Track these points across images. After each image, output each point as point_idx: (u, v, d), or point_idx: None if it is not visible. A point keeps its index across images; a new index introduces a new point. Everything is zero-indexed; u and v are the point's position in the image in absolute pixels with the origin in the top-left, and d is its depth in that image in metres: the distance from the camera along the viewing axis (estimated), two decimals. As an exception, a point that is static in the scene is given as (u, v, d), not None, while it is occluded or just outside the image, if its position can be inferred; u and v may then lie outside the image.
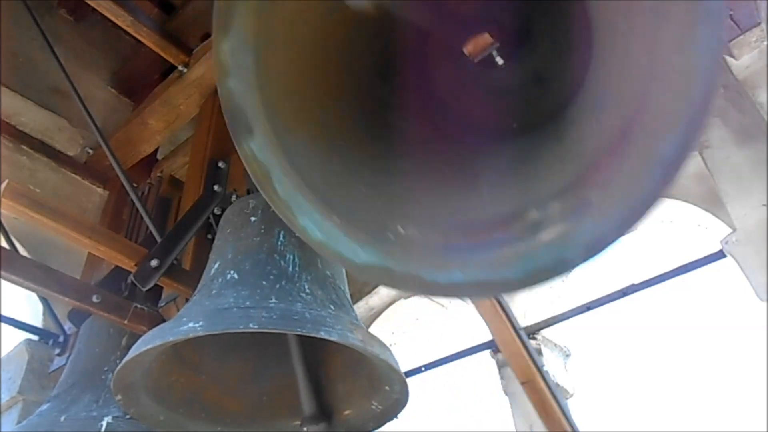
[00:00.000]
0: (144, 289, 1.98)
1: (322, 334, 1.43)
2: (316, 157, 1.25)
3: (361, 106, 1.41)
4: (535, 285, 0.99)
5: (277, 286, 1.58)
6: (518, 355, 1.39)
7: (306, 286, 1.62)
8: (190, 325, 1.41)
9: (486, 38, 1.26)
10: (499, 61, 1.30)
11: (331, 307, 1.61)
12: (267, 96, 1.22)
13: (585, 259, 0.94)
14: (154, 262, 1.97)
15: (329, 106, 1.35)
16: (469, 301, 2.94)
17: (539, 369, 1.39)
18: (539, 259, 0.97)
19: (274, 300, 1.51)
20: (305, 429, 1.75)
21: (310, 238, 1.18)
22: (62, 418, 1.90)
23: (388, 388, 1.66)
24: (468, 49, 1.29)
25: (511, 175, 1.23)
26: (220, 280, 1.65)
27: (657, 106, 0.89)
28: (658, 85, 0.89)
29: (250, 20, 1.20)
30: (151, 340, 1.46)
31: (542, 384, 1.37)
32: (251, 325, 1.40)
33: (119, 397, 1.60)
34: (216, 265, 1.73)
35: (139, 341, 1.51)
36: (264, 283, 1.58)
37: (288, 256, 1.69)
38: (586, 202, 0.96)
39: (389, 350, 1.57)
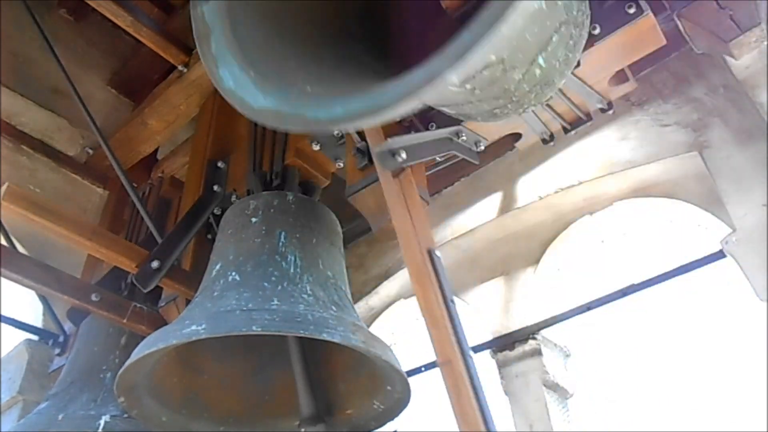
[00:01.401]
0: (145, 291, 1.98)
1: (325, 336, 1.43)
2: (258, 30, 1.32)
3: (327, 23, 1.46)
4: (409, 104, 0.97)
5: (279, 287, 1.58)
6: (441, 329, 1.26)
7: (308, 288, 1.62)
8: (193, 327, 1.41)
9: None
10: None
11: (333, 308, 1.61)
12: None
13: (454, 66, 0.92)
14: (154, 264, 1.98)
15: (292, 3, 1.41)
16: (464, 297, 2.94)
17: (463, 350, 1.26)
18: (413, 80, 0.97)
19: (276, 302, 1.51)
20: (303, 430, 1.75)
21: (223, 84, 1.24)
22: (60, 417, 1.90)
23: (390, 387, 1.66)
24: (446, 2, 1.32)
25: None
26: (221, 281, 1.65)
27: None
28: None
29: None
30: (154, 343, 1.46)
31: (462, 369, 1.23)
32: (254, 327, 1.41)
33: (122, 399, 1.61)
34: (217, 267, 1.73)
35: (141, 344, 1.51)
36: (266, 284, 1.58)
37: (289, 257, 1.69)
38: None
39: (391, 351, 1.57)
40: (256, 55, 1.27)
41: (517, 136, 2.05)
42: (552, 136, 2.01)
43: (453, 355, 1.31)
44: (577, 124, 1.96)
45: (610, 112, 1.94)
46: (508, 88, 1.39)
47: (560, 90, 1.81)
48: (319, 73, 1.31)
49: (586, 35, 1.54)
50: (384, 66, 1.43)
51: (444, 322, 1.34)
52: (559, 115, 1.95)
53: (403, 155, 1.59)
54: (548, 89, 1.51)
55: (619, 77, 1.92)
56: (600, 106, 1.91)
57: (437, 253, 1.46)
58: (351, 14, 1.50)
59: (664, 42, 1.73)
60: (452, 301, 1.41)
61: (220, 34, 1.29)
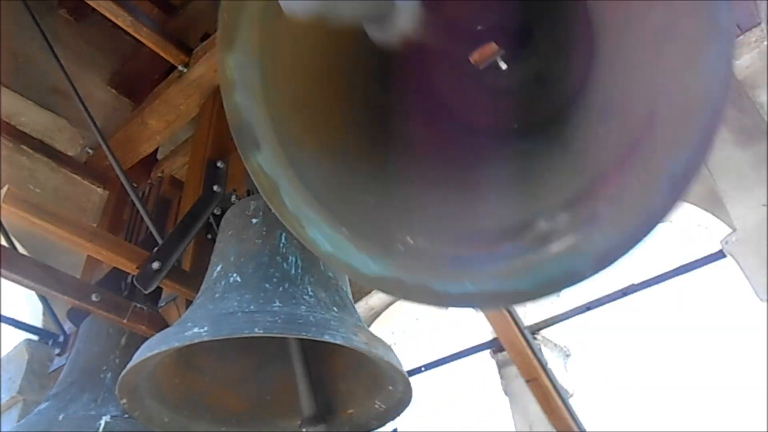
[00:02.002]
0: (146, 292, 1.98)
1: (327, 338, 1.43)
2: (322, 169, 1.25)
3: (365, 116, 1.41)
4: (545, 296, 0.99)
5: (281, 289, 1.58)
6: (523, 354, 1.39)
7: (309, 289, 1.62)
8: (195, 330, 1.41)
9: (492, 47, 1.26)
10: (503, 65, 1.31)
11: (335, 309, 1.61)
12: (273, 109, 1.22)
13: (595, 272, 0.95)
14: (155, 265, 1.97)
15: (334, 117, 1.35)
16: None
17: (544, 367, 1.39)
18: (549, 271, 0.97)
19: (277, 303, 1.51)
20: (304, 430, 1.76)
21: (320, 250, 1.18)
22: (60, 417, 1.90)
23: (391, 387, 1.66)
24: (474, 58, 1.29)
25: (518, 183, 1.23)
26: (222, 283, 1.65)
27: (666, 121, 0.89)
28: (666, 100, 0.89)
29: (255, 33, 1.20)
30: (156, 346, 1.46)
31: (547, 382, 1.38)
32: (256, 330, 1.40)
33: (124, 400, 1.61)
34: (218, 268, 1.73)
35: (143, 346, 1.51)
36: (267, 286, 1.58)
37: (290, 258, 1.69)
38: (595, 214, 0.96)
39: (392, 351, 1.58)
40: (334, 202, 1.19)
41: None
42: None
43: (537, 373, 1.44)
44: None
45: None
46: None
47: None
48: (398, 198, 1.23)
49: None
50: (417, 133, 1.41)
51: (525, 348, 1.44)
52: None
53: None
54: None
55: None
56: None
57: None
58: (375, 80, 1.44)
59: None
60: (525, 328, 1.51)
61: (289, 187, 1.21)
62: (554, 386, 1.40)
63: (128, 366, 1.50)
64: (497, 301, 1.07)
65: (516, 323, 1.47)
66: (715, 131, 0.86)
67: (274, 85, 1.23)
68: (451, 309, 3.17)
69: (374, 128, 1.41)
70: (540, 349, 1.43)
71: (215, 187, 2.23)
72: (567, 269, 0.96)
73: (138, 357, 1.48)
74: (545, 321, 2.64)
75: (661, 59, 0.89)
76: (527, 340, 1.46)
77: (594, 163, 1.02)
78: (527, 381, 1.40)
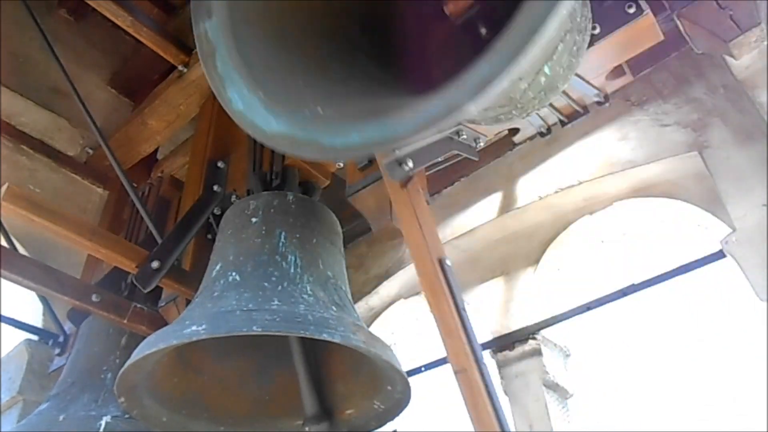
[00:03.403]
0: (146, 291, 1.98)
1: (325, 337, 1.43)
2: (263, 47, 1.31)
3: (331, 35, 1.45)
4: (424, 133, 0.98)
5: (279, 287, 1.58)
6: (455, 338, 1.31)
7: (308, 288, 1.63)
8: (193, 328, 1.41)
9: None
10: (483, 31, 1.32)
11: (333, 308, 1.61)
12: None
13: (472, 99, 0.92)
14: (155, 264, 1.98)
15: (297, 18, 1.40)
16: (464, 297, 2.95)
17: (477, 359, 1.31)
18: (431, 110, 0.97)
19: (276, 302, 1.51)
20: (307, 429, 1.76)
21: (232, 107, 1.23)
22: (61, 417, 1.90)
23: (390, 387, 1.66)
24: (449, 8, 1.31)
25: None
26: (221, 281, 1.65)
27: None
28: None
29: None
30: (154, 344, 1.46)
31: (477, 376, 1.29)
32: (254, 328, 1.41)
33: (122, 399, 1.61)
34: (217, 267, 1.73)
35: (142, 344, 1.51)
36: (266, 284, 1.58)
37: (289, 257, 1.69)
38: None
39: (391, 351, 1.58)
40: (263, 74, 1.25)
41: (514, 130, 2.06)
42: (549, 130, 2.02)
43: (467, 363, 1.35)
44: (574, 117, 1.98)
45: (606, 105, 1.95)
46: (513, 96, 1.39)
47: (558, 87, 1.82)
48: (329, 90, 1.30)
49: (588, 38, 1.54)
50: (389, 75, 1.43)
51: (457, 330, 1.38)
52: (557, 110, 1.96)
53: (410, 163, 1.58)
54: (552, 94, 1.51)
55: (617, 71, 1.93)
56: (597, 99, 1.92)
57: (448, 262, 1.47)
58: (354, 24, 1.49)
59: (662, 38, 1.73)
60: (464, 309, 1.43)
61: (225, 53, 1.27)
62: (485, 383, 1.32)
63: (126, 364, 1.50)
64: (379, 146, 1.08)
65: (453, 298, 1.40)
66: None
67: None
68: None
69: (333, 45, 1.45)
70: (476, 338, 1.36)
71: (215, 187, 2.24)
72: (446, 104, 0.95)
73: (136, 355, 1.48)
74: (545, 321, 2.64)
75: None
76: (462, 321, 1.38)
77: None
78: (455, 372, 1.33)
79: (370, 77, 1.43)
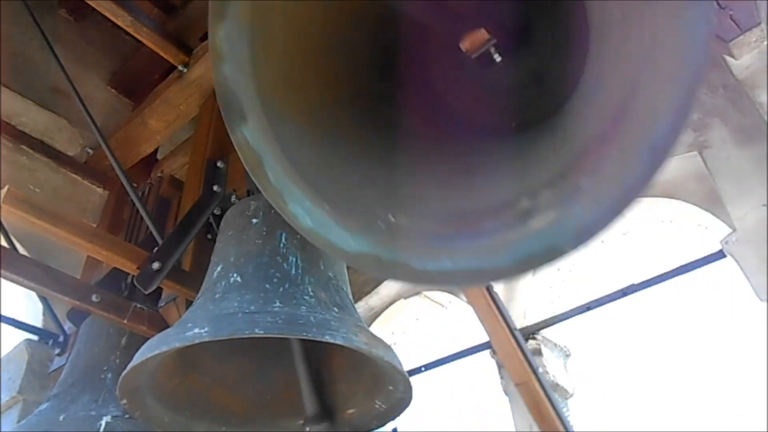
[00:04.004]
0: (147, 292, 1.98)
1: (327, 338, 1.43)
2: (309, 146, 1.25)
3: (357, 99, 1.41)
4: (525, 272, 0.98)
5: (281, 289, 1.58)
6: (513, 356, 1.39)
7: (309, 289, 1.62)
8: (196, 330, 1.41)
9: (483, 34, 1.27)
10: (497, 58, 1.31)
11: (335, 309, 1.61)
12: (261, 83, 1.22)
13: (576, 246, 0.93)
14: (155, 265, 1.97)
15: (324, 96, 1.35)
16: (463, 297, 2.94)
17: (534, 370, 1.39)
18: (530, 247, 0.96)
19: (278, 304, 1.51)
20: (308, 429, 1.76)
21: (301, 225, 1.18)
22: (61, 418, 1.90)
23: (391, 387, 1.66)
24: (465, 45, 1.30)
25: (505, 168, 1.23)
26: (223, 283, 1.65)
27: (648, 89, 0.89)
28: (650, 68, 0.89)
29: (247, 7, 1.21)
30: (156, 346, 1.46)
31: (537, 385, 1.38)
32: (257, 330, 1.41)
33: (125, 401, 1.61)
34: (218, 268, 1.73)
35: (144, 347, 1.51)
36: (267, 286, 1.58)
37: (290, 258, 1.69)
38: (577, 188, 0.95)
39: (393, 351, 1.58)
40: (318, 178, 1.19)
41: None
42: None
43: (527, 376, 1.44)
44: None
45: None
46: None
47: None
48: (383, 179, 1.23)
49: None
50: (410, 120, 1.41)
51: (515, 351, 1.44)
52: None
53: None
54: None
55: None
56: None
57: (494, 289, 1.50)
58: (374, 78, 1.45)
59: None
60: (516, 329, 1.51)
61: (273, 160, 1.20)
62: (545, 390, 1.40)
63: (129, 366, 1.50)
64: (475, 279, 1.05)
65: (507, 324, 1.47)
66: (695, 95, 0.86)
67: (264, 58, 1.23)
68: (450, 309, 3.17)
69: (366, 111, 1.41)
70: (531, 352, 1.46)
71: (215, 187, 2.23)
72: (547, 245, 0.96)
73: (138, 357, 1.48)
74: (545, 321, 2.64)
75: (646, 28, 0.89)
76: (518, 342, 1.46)
77: (577, 140, 1.02)
78: (517, 384, 1.40)
79: (400, 135, 1.38)
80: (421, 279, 1.09)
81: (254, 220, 1.81)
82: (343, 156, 1.28)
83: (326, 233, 1.14)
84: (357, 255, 1.11)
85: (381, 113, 1.42)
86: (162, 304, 2.18)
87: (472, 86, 1.45)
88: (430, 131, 1.42)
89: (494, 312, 1.44)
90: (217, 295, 1.59)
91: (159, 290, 2.10)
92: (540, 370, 1.46)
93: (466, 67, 1.40)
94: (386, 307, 3.28)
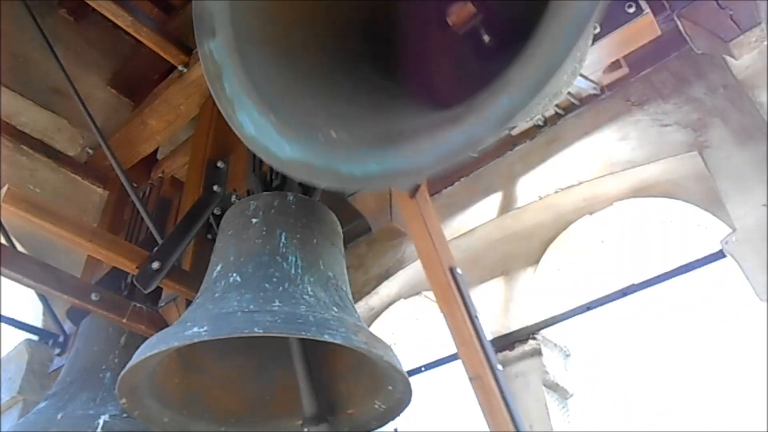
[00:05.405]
0: (146, 292, 1.98)
1: (327, 338, 1.43)
2: (268, 66, 1.29)
3: (329, 40, 1.43)
4: (444, 166, 0.98)
5: (280, 288, 1.58)
6: (470, 345, 1.33)
7: (309, 289, 1.62)
8: (195, 330, 1.41)
9: (469, 8, 1.27)
10: (486, 38, 1.31)
11: (334, 309, 1.61)
12: (236, 7, 1.28)
13: (493, 133, 0.93)
14: (155, 265, 1.98)
15: (298, 29, 1.39)
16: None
17: (492, 365, 1.33)
18: (452, 142, 0.96)
19: (277, 303, 1.51)
20: (306, 429, 1.76)
21: (244, 132, 1.21)
22: (59, 416, 1.90)
23: (391, 387, 1.66)
24: (451, 18, 1.31)
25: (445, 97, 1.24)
26: (222, 282, 1.65)
27: None
28: None
29: None
30: (156, 345, 1.46)
31: (492, 382, 1.32)
32: (256, 329, 1.41)
33: (124, 400, 1.61)
34: (218, 268, 1.73)
35: (143, 346, 1.51)
36: (267, 286, 1.58)
37: (290, 258, 1.69)
38: (506, 81, 0.95)
39: (392, 351, 1.58)
40: (273, 95, 1.23)
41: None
42: (546, 122, 2.02)
43: (482, 370, 1.37)
44: (571, 109, 1.98)
45: (603, 96, 1.95)
46: None
47: (557, 83, 1.82)
48: (338, 109, 1.27)
49: (590, 42, 1.54)
50: (393, 84, 1.42)
51: (471, 338, 1.41)
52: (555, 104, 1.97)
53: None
54: (556, 99, 1.52)
55: (613, 65, 1.94)
56: (594, 92, 1.93)
57: (459, 270, 1.48)
58: (357, 35, 1.48)
59: (659, 32, 1.73)
60: (477, 317, 1.45)
61: (232, 74, 1.25)
62: (500, 389, 1.36)
63: (128, 366, 1.50)
64: (398, 178, 1.06)
65: (467, 309, 1.43)
66: None
67: None
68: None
69: (333, 50, 1.43)
70: (490, 345, 1.40)
71: (215, 187, 2.24)
72: (468, 137, 0.95)
73: (137, 357, 1.48)
74: (545, 321, 2.63)
75: None
76: (477, 330, 1.41)
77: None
78: (470, 378, 1.37)
79: (375, 89, 1.42)
80: (348, 182, 1.11)
81: (254, 220, 1.81)
82: (300, 80, 1.32)
83: (266, 141, 1.18)
84: (290, 161, 1.15)
85: (348, 58, 1.44)
86: (162, 304, 2.18)
87: (453, 62, 1.45)
88: (390, 81, 1.43)
89: (454, 294, 1.40)
90: (217, 295, 1.59)
91: (159, 290, 2.10)
92: (499, 367, 1.40)
93: (453, 46, 1.41)
94: (386, 307, 3.28)
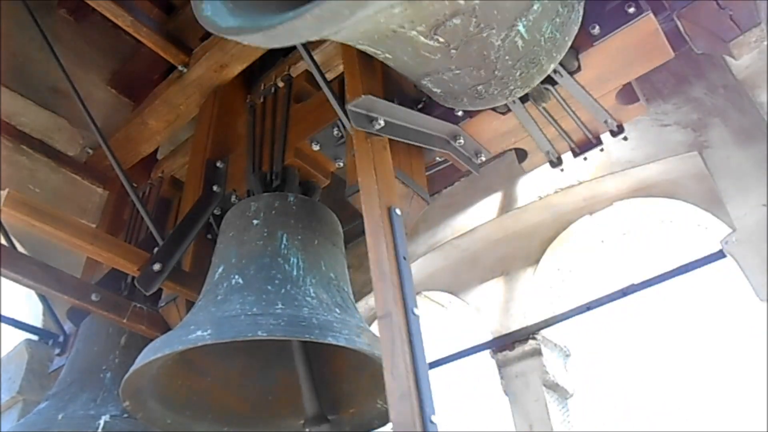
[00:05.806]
0: (147, 293, 1.98)
1: (330, 340, 1.43)
2: None
3: None
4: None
5: (283, 290, 1.58)
6: (387, 282, 1.23)
7: (311, 290, 1.62)
8: (199, 333, 1.41)
9: None
10: None
11: (337, 310, 1.61)
12: None
13: None
14: (156, 267, 1.97)
15: None
16: (463, 298, 2.94)
17: (407, 306, 1.22)
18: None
19: (280, 306, 1.51)
20: (308, 430, 1.76)
21: (201, 13, 1.28)
22: (60, 417, 1.90)
23: (392, 387, 1.66)
24: None
25: None
26: (225, 284, 1.65)
27: None
28: None
29: None
30: (160, 349, 1.47)
31: (402, 322, 1.18)
32: (260, 332, 1.41)
33: (127, 402, 1.61)
34: (220, 270, 1.73)
35: (147, 349, 1.51)
36: (269, 288, 1.58)
37: (292, 259, 1.69)
38: None
39: (394, 352, 1.58)
40: None
41: (522, 154, 2.04)
42: (560, 159, 1.99)
43: (394, 308, 1.27)
44: (586, 147, 1.93)
45: (621, 136, 1.89)
46: (487, 54, 1.37)
47: (563, 101, 1.80)
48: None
49: (576, 21, 1.53)
50: None
51: (391, 276, 1.31)
52: (565, 132, 1.92)
53: (381, 123, 1.60)
54: (535, 70, 1.49)
55: (627, 95, 1.89)
56: (610, 127, 1.88)
57: (398, 211, 1.45)
58: None
59: (672, 55, 1.72)
60: (405, 258, 1.38)
61: None
62: (408, 329, 1.21)
63: (131, 369, 1.51)
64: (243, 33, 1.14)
65: (395, 247, 1.33)
66: None
67: None
68: (450, 309, 3.15)
69: None
70: (411, 288, 1.29)
71: (215, 188, 2.23)
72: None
73: (141, 360, 1.48)
74: (545, 321, 2.63)
75: None
76: (400, 270, 1.29)
77: None
78: (379, 318, 1.23)
79: None
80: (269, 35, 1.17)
81: (255, 221, 1.81)
82: None
83: (216, 18, 1.25)
84: (227, 28, 1.22)
85: None
86: (162, 304, 2.18)
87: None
88: None
89: (384, 231, 1.32)
90: (219, 297, 1.59)
91: (159, 290, 2.10)
92: (416, 311, 1.28)
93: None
94: (386, 307, 3.29)
